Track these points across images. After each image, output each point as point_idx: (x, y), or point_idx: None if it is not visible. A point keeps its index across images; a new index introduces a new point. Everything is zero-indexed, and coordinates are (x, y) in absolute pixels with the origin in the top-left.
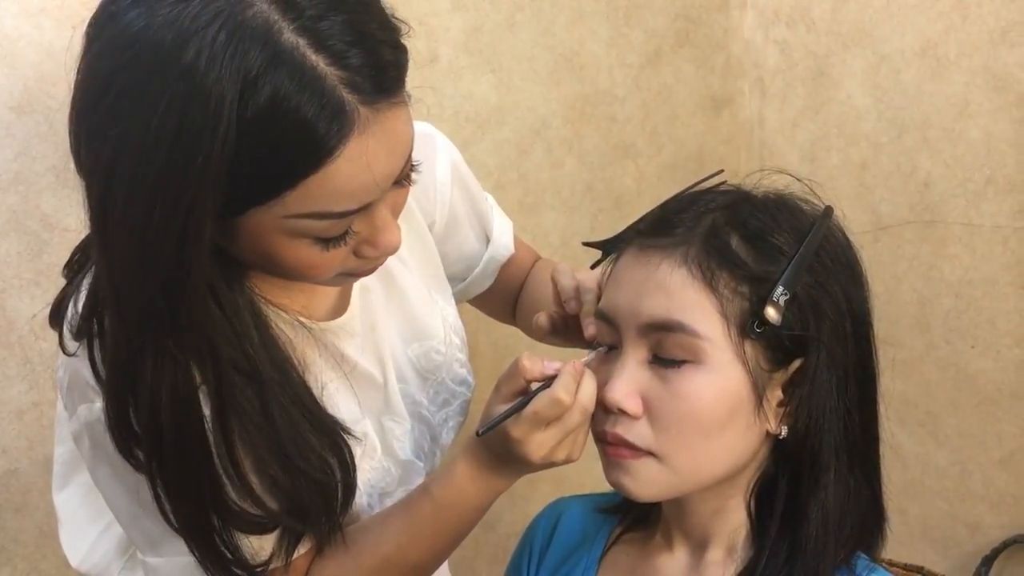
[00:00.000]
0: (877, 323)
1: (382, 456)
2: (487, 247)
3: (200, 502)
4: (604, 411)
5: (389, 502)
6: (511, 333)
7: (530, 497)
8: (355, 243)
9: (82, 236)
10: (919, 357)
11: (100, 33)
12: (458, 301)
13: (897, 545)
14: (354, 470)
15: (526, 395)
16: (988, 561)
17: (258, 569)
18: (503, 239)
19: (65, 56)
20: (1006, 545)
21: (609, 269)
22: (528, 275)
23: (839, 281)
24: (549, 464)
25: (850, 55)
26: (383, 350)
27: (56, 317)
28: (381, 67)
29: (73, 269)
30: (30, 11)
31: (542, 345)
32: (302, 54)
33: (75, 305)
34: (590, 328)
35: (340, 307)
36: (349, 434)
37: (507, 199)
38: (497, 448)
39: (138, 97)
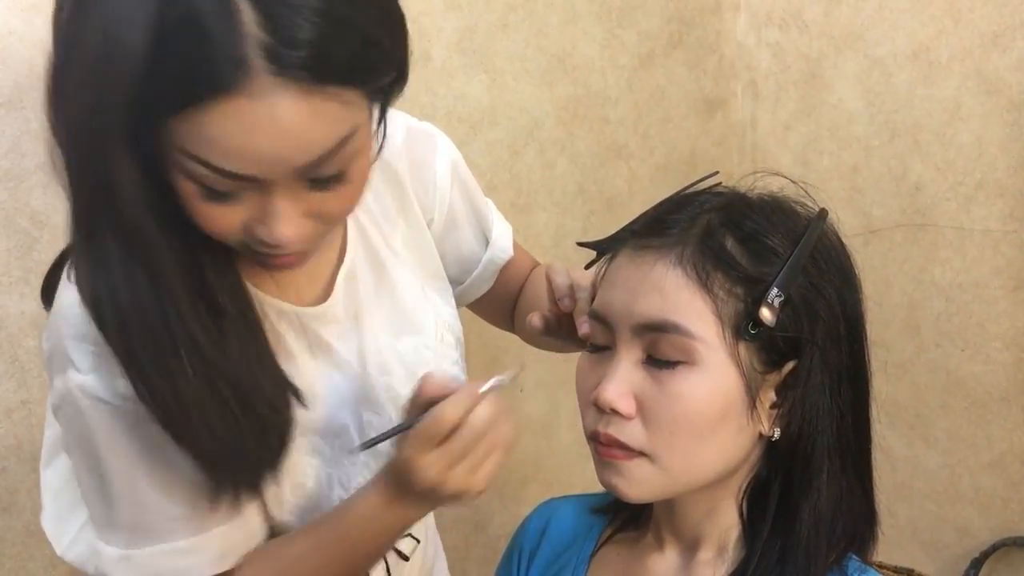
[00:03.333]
0: (868, 326)
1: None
2: (486, 249)
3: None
4: (597, 411)
5: None
6: (503, 333)
7: (520, 498)
8: (248, 216)
9: None
10: (909, 360)
11: None
12: (458, 304)
13: (887, 547)
14: (293, 424)
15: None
16: (977, 564)
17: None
18: (502, 242)
19: None
20: (995, 548)
21: (603, 269)
22: (526, 280)
23: (833, 283)
24: (446, 493)
25: (842, 58)
26: (365, 340)
27: (48, 287)
28: (316, 54)
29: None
30: (21, 6)
31: (531, 348)
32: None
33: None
34: (584, 327)
35: (325, 295)
36: (297, 395)
37: (499, 200)
38: (396, 471)
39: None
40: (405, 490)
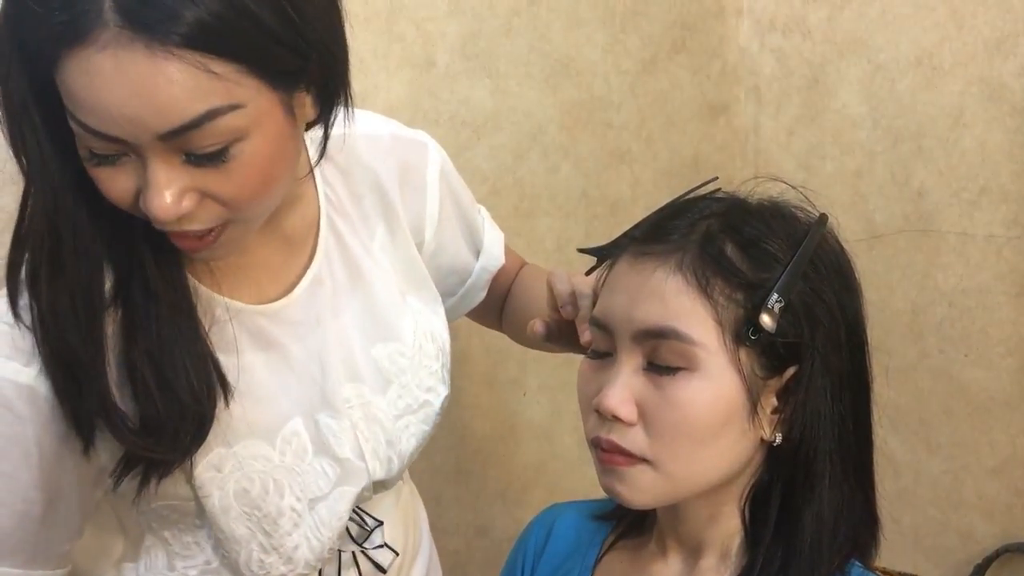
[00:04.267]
0: (870, 331)
1: (314, 457)
2: (478, 258)
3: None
4: (599, 417)
5: (322, 507)
6: (505, 338)
7: (523, 503)
8: (135, 186)
9: None
10: (912, 365)
11: None
12: (455, 317)
13: (890, 553)
14: (212, 409)
15: None
16: (980, 570)
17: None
18: (494, 249)
19: None
20: (998, 554)
21: (604, 276)
22: (513, 281)
23: (833, 288)
24: None
25: (845, 64)
26: (329, 344)
27: None
28: (169, 15)
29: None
30: None
31: (531, 353)
32: None
33: None
34: (586, 333)
35: (284, 295)
36: (224, 387)
37: (502, 204)
38: None
39: None
40: None
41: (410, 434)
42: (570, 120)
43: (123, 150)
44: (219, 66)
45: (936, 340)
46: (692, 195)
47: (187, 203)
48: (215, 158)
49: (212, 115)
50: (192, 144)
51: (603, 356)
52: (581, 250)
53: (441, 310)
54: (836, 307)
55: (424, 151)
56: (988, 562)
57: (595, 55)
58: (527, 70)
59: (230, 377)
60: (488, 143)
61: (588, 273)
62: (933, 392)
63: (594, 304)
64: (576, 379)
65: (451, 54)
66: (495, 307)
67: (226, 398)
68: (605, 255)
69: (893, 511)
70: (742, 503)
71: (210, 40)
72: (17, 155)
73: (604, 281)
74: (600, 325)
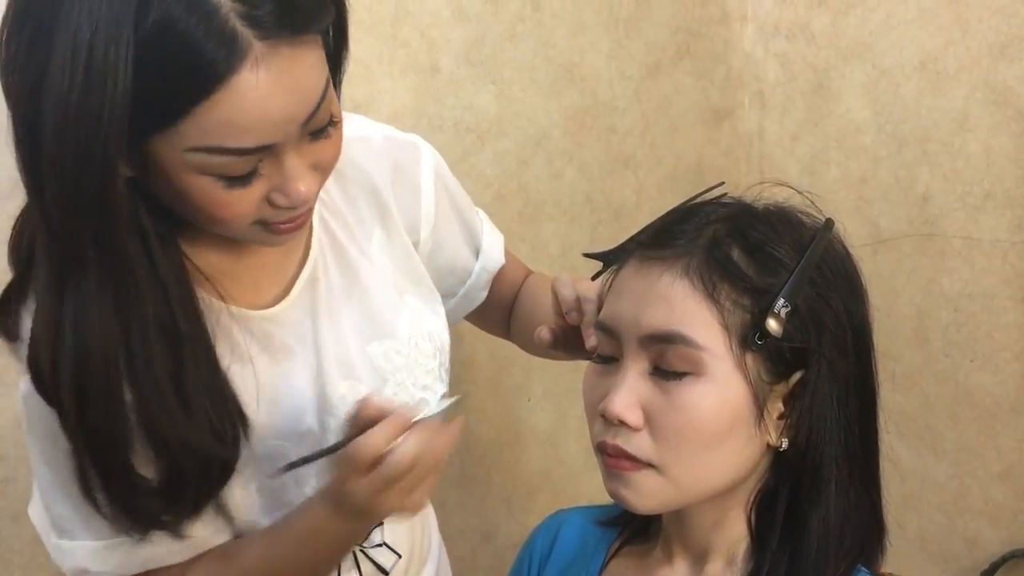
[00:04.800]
0: (876, 336)
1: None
2: (478, 259)
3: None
4: (604, 422)
5: None
6: (510, 343)
7: (528, 508)
8: (266, 189)
9: None
10: (918, 370)
11: None
12: (457, 318)
13: (895, 559)
14: (236, 448)
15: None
16: (986, 575)
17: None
18: (493, 251)
19: None
20: (1005, 559)
21: (609, 280)
22: (520, 289)
23: (839, 293)
24: (380, 514)
25: (850, 69)
26: (326, 343)
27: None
28: (287, 4)
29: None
30: None
31: (536, 359)
32: None
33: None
34: (591, 339)
35: (283, 296)
36: (243, 417)
37: (507, 210)
38: (330, 490)
39: (51, 20)
40: (340, 508)
41: None
42: (574, 125)
43: (261, 158)
44: (317, 40)
45: (942, 345)
46: (698, 200)
47: (316, 178)
48: (330, 125)
49: (327, 85)
50: (318, 120)
51: (609, 361)
52: (587, 255)
53: (441, 310)
54: (842, 312)
55: (416, 152)
56: (994, 568)
57: (599, 61)
58: (531, 76)
59: (248, 387)
60: (492, 148)
61: (594, 278)
62: (939, 397)
63: (599, 309)
64: (581, 384)
65: (455, 60)
66: (502, 316)
67: (246, 435)
68: (611, 260)
69: (899, 517)
70: (748, 508)
71: (312, 16)
72: (71, 217)
73: (610, 286)
74: (606, 329)
